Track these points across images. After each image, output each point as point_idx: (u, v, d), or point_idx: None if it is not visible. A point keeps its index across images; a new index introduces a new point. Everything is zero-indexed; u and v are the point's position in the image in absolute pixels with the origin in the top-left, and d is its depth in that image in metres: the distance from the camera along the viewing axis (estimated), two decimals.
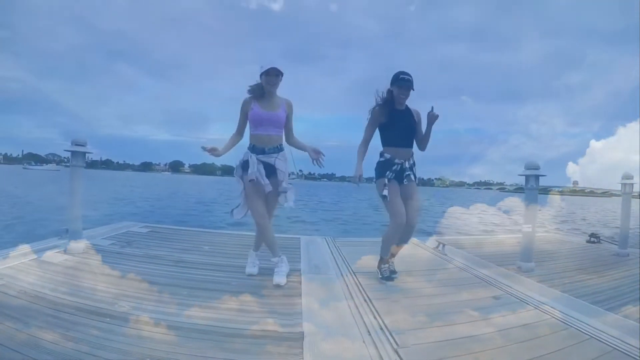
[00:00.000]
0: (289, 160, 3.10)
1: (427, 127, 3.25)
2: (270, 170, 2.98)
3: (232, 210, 3.13)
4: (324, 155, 3.05)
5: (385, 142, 3.28)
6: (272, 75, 2.93)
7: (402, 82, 3.12)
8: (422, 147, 3.31)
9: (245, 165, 2.98)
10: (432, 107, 3.17)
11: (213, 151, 2.95)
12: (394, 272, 3.28)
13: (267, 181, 2.95)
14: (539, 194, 3.76)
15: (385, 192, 3.11)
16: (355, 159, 3.18)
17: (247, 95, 3.01)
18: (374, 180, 3.30)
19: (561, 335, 2.22)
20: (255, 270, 3.18)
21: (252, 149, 3.00)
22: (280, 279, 2.96)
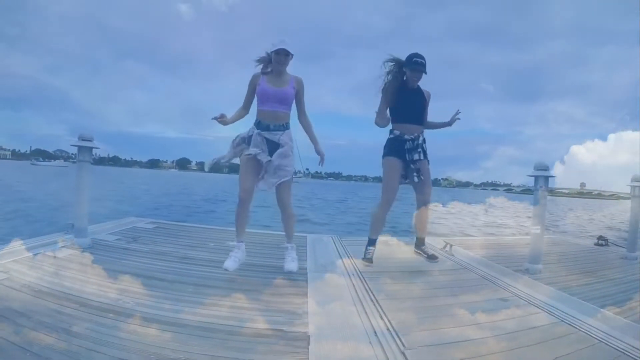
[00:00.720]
0: (295, 144, 3.06)
1: (442, 123, 3.40)
2: (274, 148, 2.94)
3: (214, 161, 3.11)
4: (323, 161, 3.12)
5: (395, 119, 3.31)
6: (282, 54, 2.92)
7: (415, 65, 3.18)
8: (425, 127, 3.38)
9: (247, 139, 2.96)
10: (459, 111, 3.34)
11: (222, 118, 2.93)
12: (433, 257, 3.47)
13: (267, 157, 2.91)
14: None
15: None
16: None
17: (257, 71, 3.01)
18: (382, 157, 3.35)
19: (570, 339, 2.18)
20: (233, 265, 3.01)
21: (258, 124, 2.97)
22: (290, 265, 2.98)
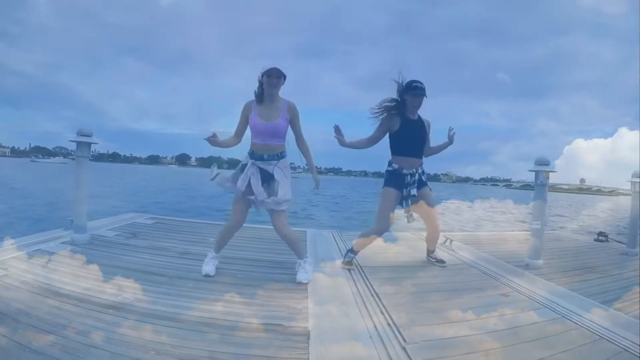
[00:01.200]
0: (289, 173, 2.97)
1: (443, 145, 3.39)
2: (269, 178, 2.87)
3: (217, 176, 2.99)
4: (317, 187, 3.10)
5: (394, 151, 3.28)
6: (274, 76, 2.79)
7: (415, 90, 3.13)
8: (426, 155, 3.37)
9: (243, 168, 2.89)
10: (452, 129, 3.35)
11: (213, 138, 2.83)
12: (441, 261, 3.57)
13: (259, 192, 2.82)
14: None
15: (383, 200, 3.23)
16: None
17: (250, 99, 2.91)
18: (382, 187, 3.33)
19: (571, 335, 2.18)
20: (213, 270, 2.92)
21: (251, 154, 2.90)
22: (302, 276, 2.89)
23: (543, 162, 3.62)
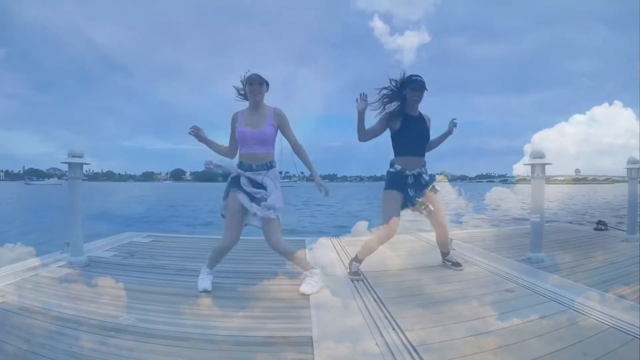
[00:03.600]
0: (279, 182, 2.89)
1: (443, 135, 3.32)
2: (258, 188, 2.80)
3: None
4: (326, 189, 2.91)
5: (397, 151, 3.21)
6: (256, 83, 2.76)
7: (415, 84, 3.08)
8: (427, 150, 3.31)
9: (233, 181, 2.84)
10: (455, 119, 3.29)
11: (197, 131, 2.84)
12: (457, 264, 3.41)
13: (249, 204, 2.77)
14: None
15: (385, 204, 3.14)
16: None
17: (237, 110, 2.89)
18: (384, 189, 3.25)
19: (580, 327, 2.16)
20: (209, 285, 2.87)
21: (240, 165, 2.84)
22: (306, 287, 2.81)
23: (539, 155, 3.62)
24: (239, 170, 2.81)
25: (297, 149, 2.92)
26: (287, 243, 3.00)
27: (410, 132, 3.15)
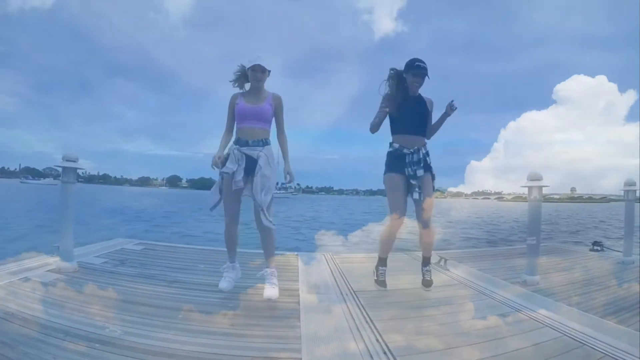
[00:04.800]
0: (276, 159, 2.99)
1: (441, 117, 3.21)
2: (253, 164, 2.85)
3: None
4: (291, 182, 3.05)
5: (394, 130, 3.19)
6: (258, 71, 2.88)
7: (417, 70, 3.08)
8: (428, 135, 3.24)
9: (227, 157, 2.90)
10: (453, 100, 3.14)
11: (219, 159, 2.89)
12: (428, 282, 3.24)
13: (239, 179, 2.82)
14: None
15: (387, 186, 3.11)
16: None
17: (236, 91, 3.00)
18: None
19: (575, 355, 2.12)
20: (228, 286, 2.96)
21: (237, 141, 2.93)
22: (269, 291, 2.84)
23: (536, 178, 3.60)
24: (235, 145, 2.90)
25: (281, 135, 3.04)
26: (273, 228, 2.97)
27: (407, 110, 3.12)
